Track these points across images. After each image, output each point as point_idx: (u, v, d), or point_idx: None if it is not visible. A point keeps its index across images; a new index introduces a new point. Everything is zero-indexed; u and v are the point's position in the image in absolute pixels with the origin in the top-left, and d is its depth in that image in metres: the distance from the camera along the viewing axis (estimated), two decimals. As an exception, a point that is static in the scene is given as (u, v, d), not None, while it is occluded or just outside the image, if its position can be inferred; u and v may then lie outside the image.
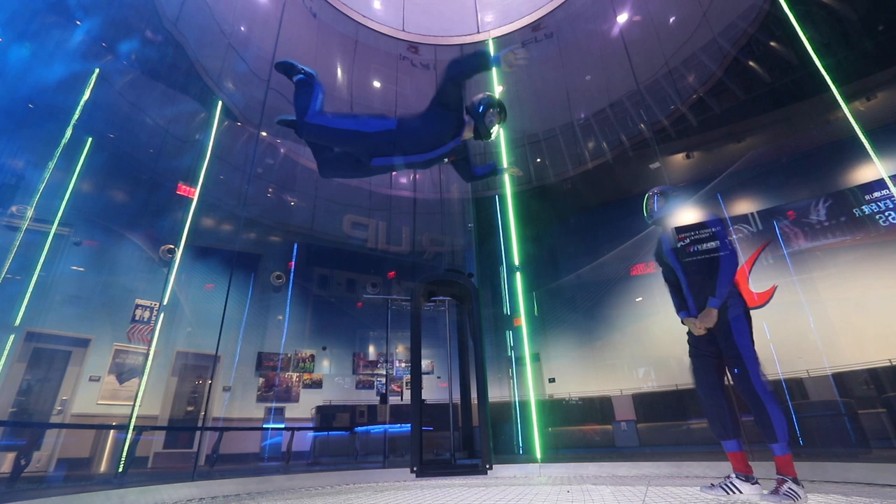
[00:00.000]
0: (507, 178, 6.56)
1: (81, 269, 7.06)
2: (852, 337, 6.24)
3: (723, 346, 2.66)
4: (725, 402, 2.68)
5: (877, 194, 6.42)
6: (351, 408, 8.63)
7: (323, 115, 2.71)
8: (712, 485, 2.64)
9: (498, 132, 2.93)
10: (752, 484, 2.55)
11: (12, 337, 5.54)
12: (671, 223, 3.04)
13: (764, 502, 2.34)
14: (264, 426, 8.76)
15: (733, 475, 2.60)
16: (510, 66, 2.49)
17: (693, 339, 2.85)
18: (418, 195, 9.60)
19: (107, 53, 6.69)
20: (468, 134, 2.84)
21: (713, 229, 2.83)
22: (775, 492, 2.36)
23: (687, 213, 3.16)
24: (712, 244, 2.80)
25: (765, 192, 7.79)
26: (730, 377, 2.68)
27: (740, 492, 2.52)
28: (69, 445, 6.50)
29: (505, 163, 5.76)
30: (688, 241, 2.89)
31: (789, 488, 2.33)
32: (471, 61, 2.58)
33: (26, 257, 5.77)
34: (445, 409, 5.73)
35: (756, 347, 2.60)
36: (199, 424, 7.95)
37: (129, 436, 4.95)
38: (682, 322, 2.93)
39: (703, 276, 2.78)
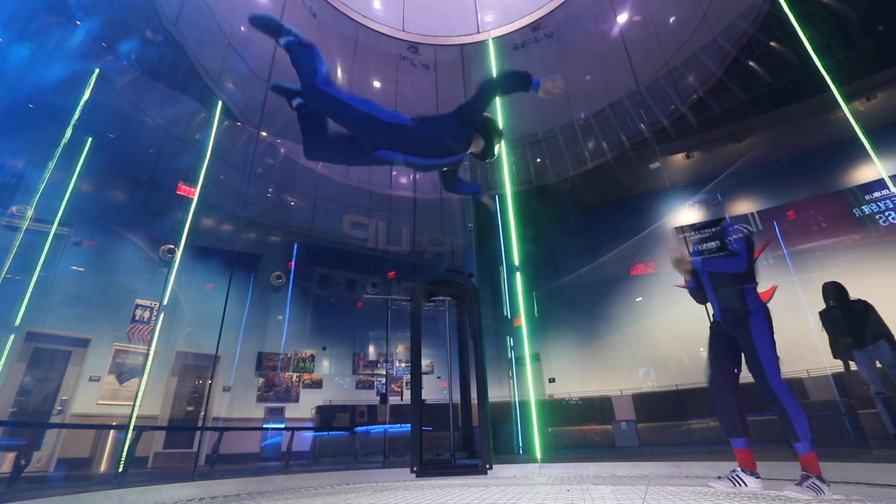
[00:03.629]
0: (506, 178, 6.75)
1: (81, 269, 7.06)
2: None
3: (743, 348, 2.71)
4: (735, 401, 2.74)
5: (877, 194, 6.43)
6: (351, 408, 8.63)
7: (334, 86, 2.50)
8: (720, 477, 2.70)
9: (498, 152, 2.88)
10: (757, 479, 2.62)
11: (12, 337, 5.54)
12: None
13: (788, 492, 2.36)
14: (264, 426, 8.75)
15: (739, 469, 2.66)
16: (547, 94, 2.39)
17: (714, 340, 2.90)
18: (418, 195, 9.59)
19: (107, 53, 6.70)
20: (474, 149, 2.74)
21: (732, 237, 2.90)
22: (799, 484, 2.42)
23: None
24: (728, 249, 2.87)
25: (765, 192, 7.79)
26: (752, 378, 2.70)
27: (745, 484, 2.59)
28: (69, 445, 6.49)
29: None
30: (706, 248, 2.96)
31: (813, 482, 2.39)
32: (515, 79, 2.45)
33: (26, 257, 5.77)
34: (445, 409, 5.72)
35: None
36: (199, 424, 7.95)
37: (129, 436, 4.95)
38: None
39: (728, 287, 2.83)
